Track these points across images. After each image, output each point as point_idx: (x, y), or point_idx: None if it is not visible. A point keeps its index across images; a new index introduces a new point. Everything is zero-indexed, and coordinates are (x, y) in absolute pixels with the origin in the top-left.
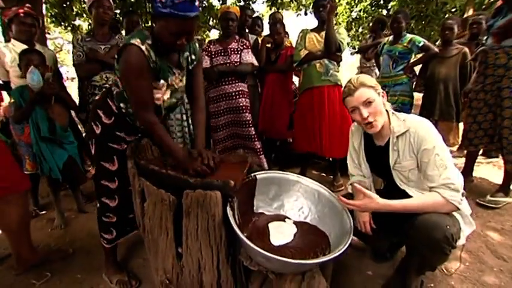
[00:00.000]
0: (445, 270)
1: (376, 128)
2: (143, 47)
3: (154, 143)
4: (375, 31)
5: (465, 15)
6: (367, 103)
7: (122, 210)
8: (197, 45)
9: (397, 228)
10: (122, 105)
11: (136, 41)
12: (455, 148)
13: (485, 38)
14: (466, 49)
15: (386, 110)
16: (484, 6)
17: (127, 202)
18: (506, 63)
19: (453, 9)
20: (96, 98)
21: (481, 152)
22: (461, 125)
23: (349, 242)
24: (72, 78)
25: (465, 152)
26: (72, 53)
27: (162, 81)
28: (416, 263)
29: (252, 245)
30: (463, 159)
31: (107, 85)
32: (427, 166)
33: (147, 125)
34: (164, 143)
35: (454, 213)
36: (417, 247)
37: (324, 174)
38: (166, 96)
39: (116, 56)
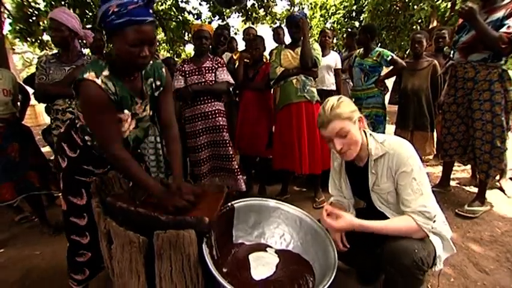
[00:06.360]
0: None
1: (350, 157)
2: (98, 81)
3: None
4: (349, 45)
5: (430, 26)
6: (341, 135)
7: (97, 244)
8: (163, 70)
9: (374, 249)
10: (87, 138)
11: (90, 75)
12: (431, 157)
13: (451, 52)
14: (436, 61)
15: (365, 131)
16: (446, 18)
17: None
18: (474, 76)
19: (419, 21)
20: (62, 130)
21: None
22: (435, 134)
23: (334, 275)
24: None
25: (441, 160)
26: (35, 75)
27: (126, 111)
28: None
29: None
30: (440, 167)
31: (70, 108)
32: (403, 190)
33: (117, 162)
34: (139, 180)
35: (433, 237)
36: (389, 273)
37: (305, 190)
38: (132, 126)
39: (73, 91)
